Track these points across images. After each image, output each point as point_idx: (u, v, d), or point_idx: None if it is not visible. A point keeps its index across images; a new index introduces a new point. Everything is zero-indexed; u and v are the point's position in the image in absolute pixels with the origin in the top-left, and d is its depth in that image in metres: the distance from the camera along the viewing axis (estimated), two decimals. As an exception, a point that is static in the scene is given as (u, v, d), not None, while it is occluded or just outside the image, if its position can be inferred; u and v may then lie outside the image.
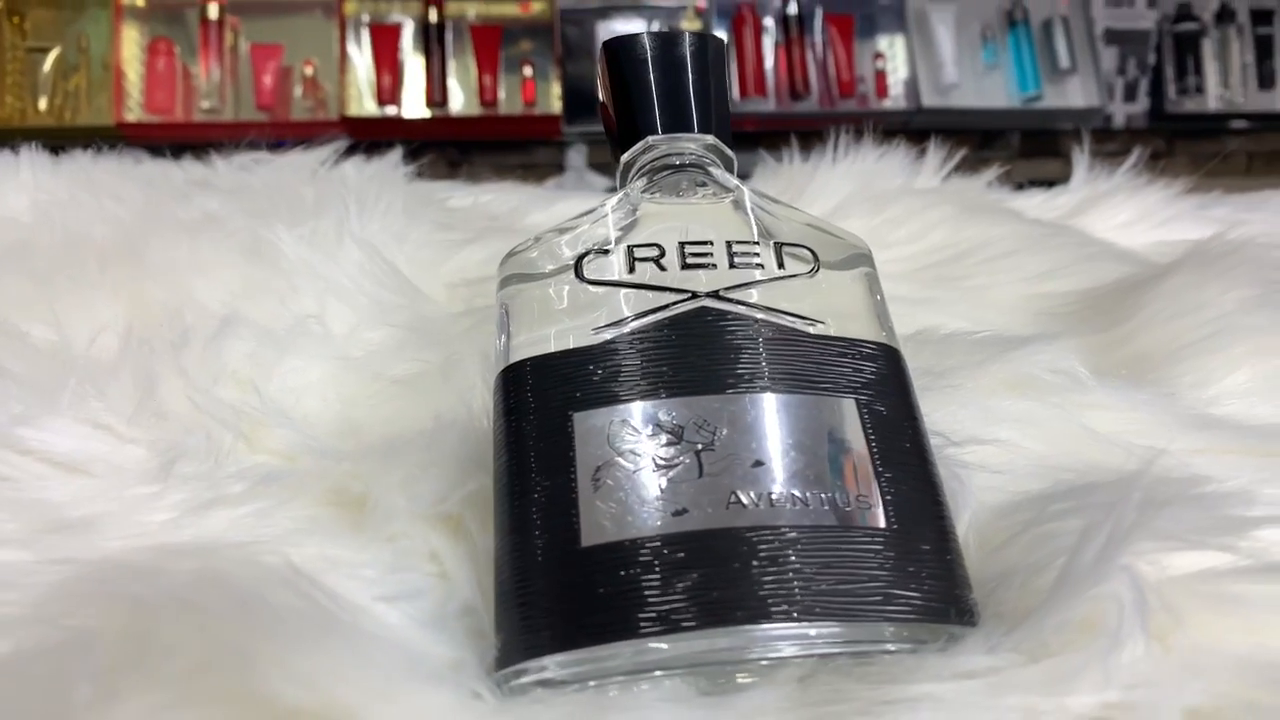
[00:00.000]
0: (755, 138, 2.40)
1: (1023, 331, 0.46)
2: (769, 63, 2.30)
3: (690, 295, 0.32)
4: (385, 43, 2.24)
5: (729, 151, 0.37)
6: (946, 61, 2.22)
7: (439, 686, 0.23)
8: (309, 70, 2.23)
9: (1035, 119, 2.31)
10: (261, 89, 2.21)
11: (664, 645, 0.25)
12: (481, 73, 2.25)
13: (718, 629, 0.25)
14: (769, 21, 2.29)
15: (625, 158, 0.37)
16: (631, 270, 0.33)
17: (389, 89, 2.22)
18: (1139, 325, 0.44)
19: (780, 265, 0.33)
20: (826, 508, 0.28)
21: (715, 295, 0.32)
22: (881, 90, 2.28)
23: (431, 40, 2.25)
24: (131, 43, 2.24)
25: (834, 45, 2.28)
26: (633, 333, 0.31)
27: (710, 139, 0.37)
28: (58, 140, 2.13)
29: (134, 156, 0.73)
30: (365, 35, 2.25)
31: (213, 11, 2.23)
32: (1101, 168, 0.73)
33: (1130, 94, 2.35)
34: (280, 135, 2.22)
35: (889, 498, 0.29)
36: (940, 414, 0.35)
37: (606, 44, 0.39)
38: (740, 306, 0.32)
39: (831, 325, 0.32)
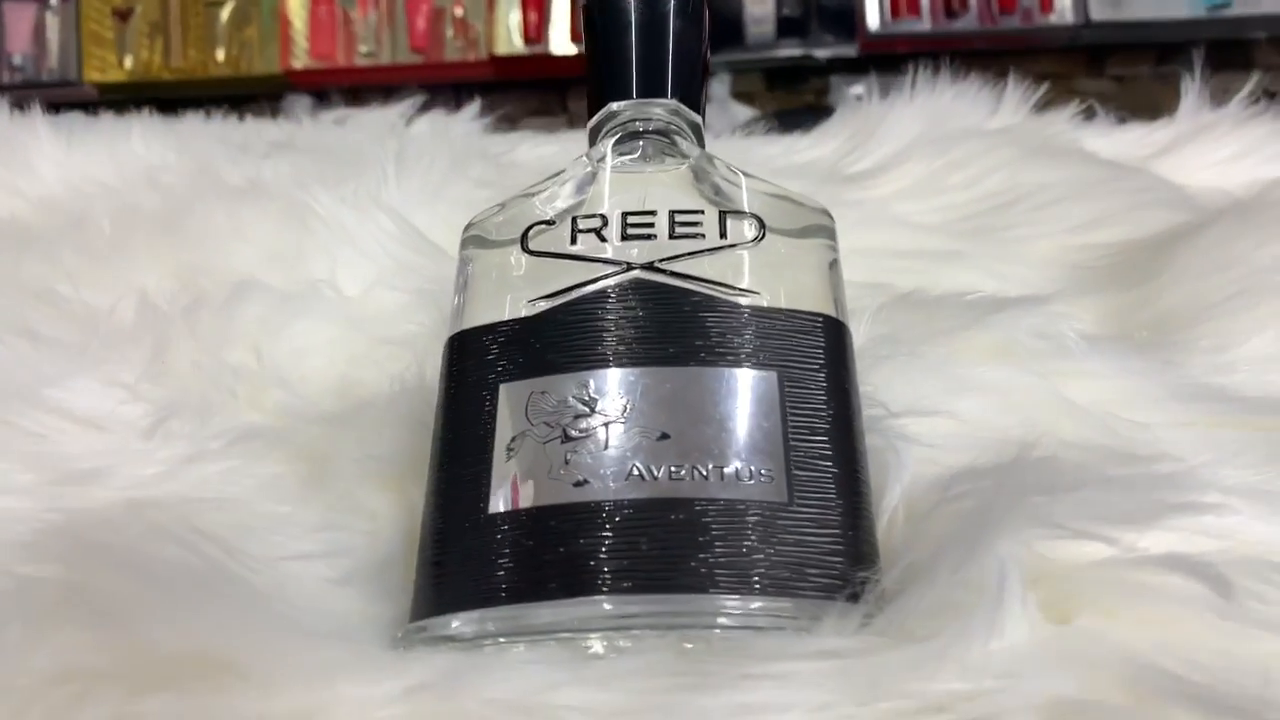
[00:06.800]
0: (907, 60, 2.31)
1: (1044, 288, 0.44)
2: (925, -20, 2.19)
3: (625, 267, 0.33)
4: (531, -20, 2.27)
5: (695, 116, 0.37)
6: (1119, -30, 2.05)
7: (318, 641, 0.26)
8: (459, 11, 2.29)
9: (1223, 28, 2.11)
10: (415, 32, 2.28)
11: (527, 612, 0.27)
12: (626, 6, 2.25)
13: (565, 600, 0.26)
14: (925, -66, 2.17)
15: (591, 124, 0.38)
16: (574, 241, 0.34)
17: (535, 26, 2.25)
18: (1168, 282, 0.41)
19: (723, 235, 0.33)
20: (725, 481, 0.28)
21: (650, 266, 0.33)
22: (1047, 5, 2.13)
23: (577, -25, 2.26)
24: (297, -7, 2.36)
25: (994, -43, 2.14)
26: (565, 305, 0.32)
27: (674, 103, 0.37)
28: (234, 90, 2.25)
29: (247, 117, 0.78)
30: (511, -27, 2.28)
31: (370, -43, 2.31)
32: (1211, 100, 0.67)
33: (1340, -6, 2.11)
34: (432, 77, 2.28)
35: (795, 472, 0.29)
36: (898, 382, 0.35)
37: (584, 6, 0.39)
38: (673, 278, 0.32)
39: (768, 296, 0.32)
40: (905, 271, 0.44)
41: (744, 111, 2.20)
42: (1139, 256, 0.44)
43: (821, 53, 2.26)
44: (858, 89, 2.25)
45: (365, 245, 0.47)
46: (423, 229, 0.49)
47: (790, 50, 2.26)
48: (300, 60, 2.31)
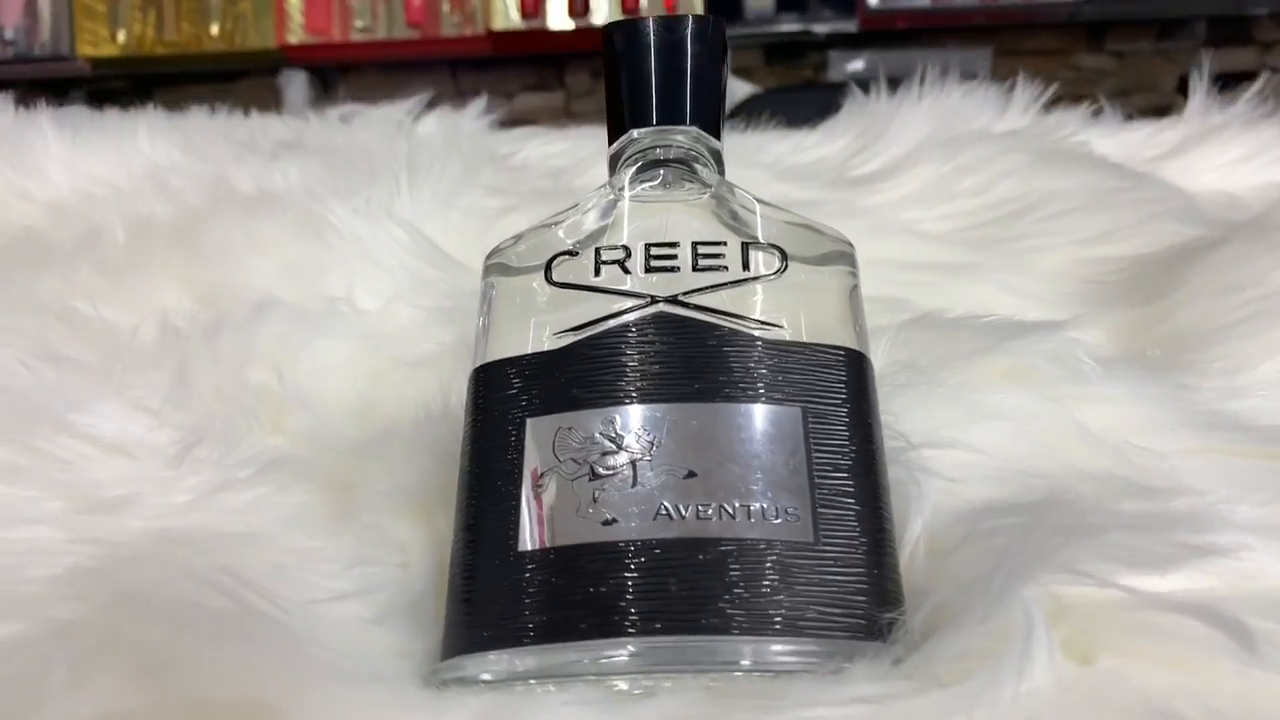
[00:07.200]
0: (908, 36, 2.29)
1: (1058, 304, 0.44)
2: (925, -47, 2.17)
3: (649, 301, 0.33)
4: (529, -46, 2.24)
5: (715, 143, 0.37)
6: (1121, -56, 2.04)
7: (356, 682, 0.26)
8: (456, -15, 2.27)
9: (1224, 4, 2.10)
10: (411, 6, 2.26)
11: (557, 652, 0.27)
12: (624, -19, 2.23)
13: (595, 641, 0.27)
14: (925, -92, 2.16)
15: (612, 150, 0.38)
16: (597, 273, 0.34)
17: (533, 1, 2.23)
18: (1182, 300, 0.42)
19: (745, 266, 0.34)
20: (752, 520, 0.29)
21: (673, 300, 0.33)
22: (1048, -20, 2.12)
23: (575, -50, 2.24)
24: (292, -36, 2.33)
25: (996, -68, 2.13)
26: (590, 338, 0.33)
27: (695, 130, 0.37)
28: (228, 65, 2.23)
29: (252, 112, 0.78)
30: (509, -53, 2.26)
31: (365, -70, 2.28)
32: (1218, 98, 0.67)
33: (1342, -31, 2.10)
34: (428, 53, 2.26)
35: (821, 511, 0.29)
36: (918, 411, 0.35)
37: (603, 29, 0.39)
38: (696, 312, 0.33)
39: (790, 329, 0.32)
40: (917, 285, 0.45)
41: (743, 87, 2.19)
42: (1151, 272, 0.44)
43: (821, 28, 2.25)
44: (857, 64, 2.24)
45: (380, 258, 0.47)
46: (435, 239, 0.49)
47: (789, 25, 2.25)
48: (295, 35, 2.29)
